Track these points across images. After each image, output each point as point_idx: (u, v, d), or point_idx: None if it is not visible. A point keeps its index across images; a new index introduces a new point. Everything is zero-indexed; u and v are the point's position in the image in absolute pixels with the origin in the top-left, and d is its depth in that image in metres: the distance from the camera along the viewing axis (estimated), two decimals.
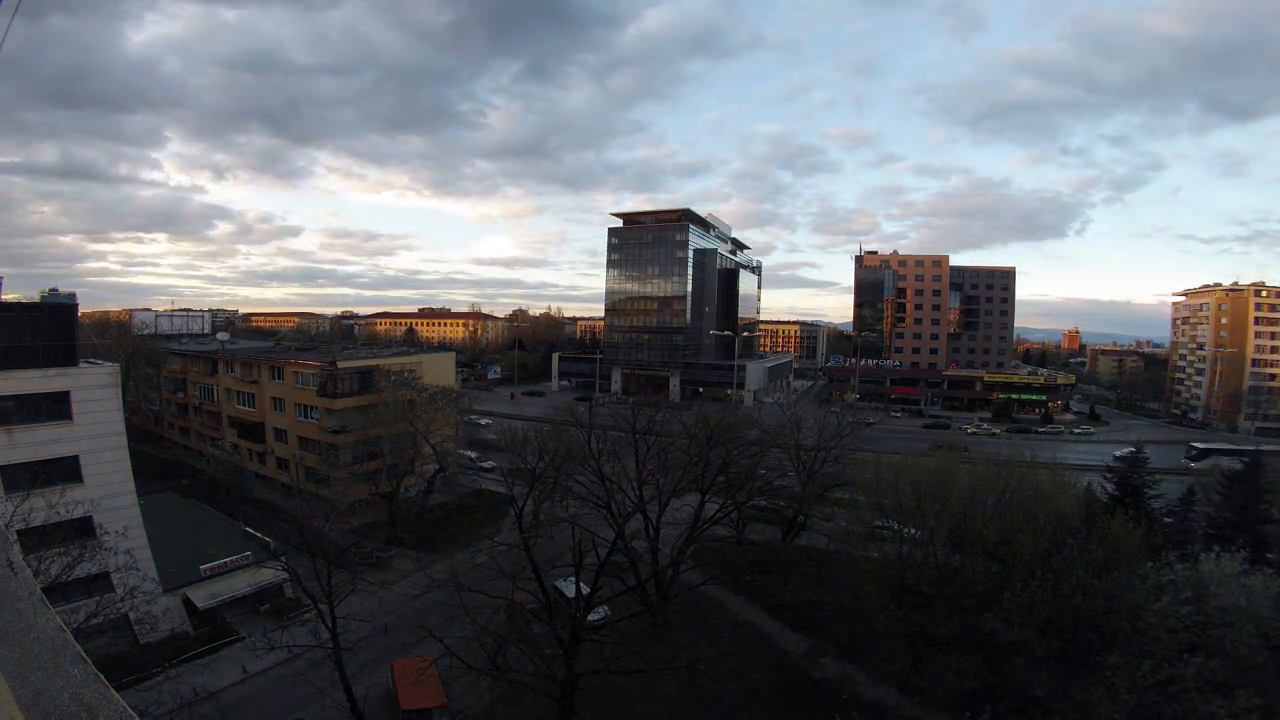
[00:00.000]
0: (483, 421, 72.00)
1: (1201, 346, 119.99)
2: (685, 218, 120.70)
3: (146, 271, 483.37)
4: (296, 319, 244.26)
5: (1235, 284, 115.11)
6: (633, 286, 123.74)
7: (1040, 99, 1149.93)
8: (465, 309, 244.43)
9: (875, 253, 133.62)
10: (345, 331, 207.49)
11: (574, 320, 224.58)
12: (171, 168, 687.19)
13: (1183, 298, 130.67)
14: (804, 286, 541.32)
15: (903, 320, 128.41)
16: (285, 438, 52.77)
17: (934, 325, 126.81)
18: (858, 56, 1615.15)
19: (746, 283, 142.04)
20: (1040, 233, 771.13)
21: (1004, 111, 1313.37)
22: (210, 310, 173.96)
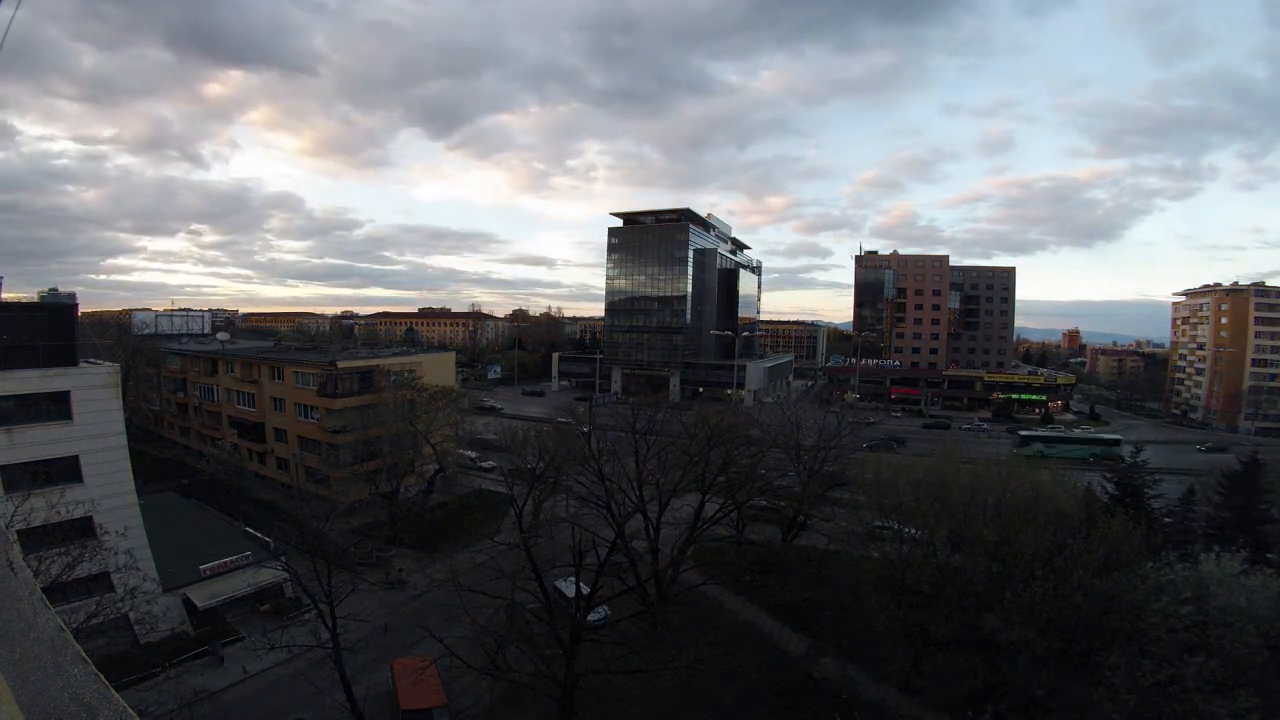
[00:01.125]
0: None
1: (1202, 346, 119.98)
2: (685, 217, 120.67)
3: (177, 270, 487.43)
4: (296, 319, 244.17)
5: (1235, 284, 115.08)
6: (633, 286, 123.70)
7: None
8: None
9: (875, 253, 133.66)
10: (345, 331, 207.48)
11: (574, 320, 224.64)
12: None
13: (1183, 298, 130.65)
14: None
15: (903, 320, 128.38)
16: (285, 438, 52.76)
17: (934, 325, 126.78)
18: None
19: (746, 283, 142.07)
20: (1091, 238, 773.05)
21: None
22: (210, 310, 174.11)
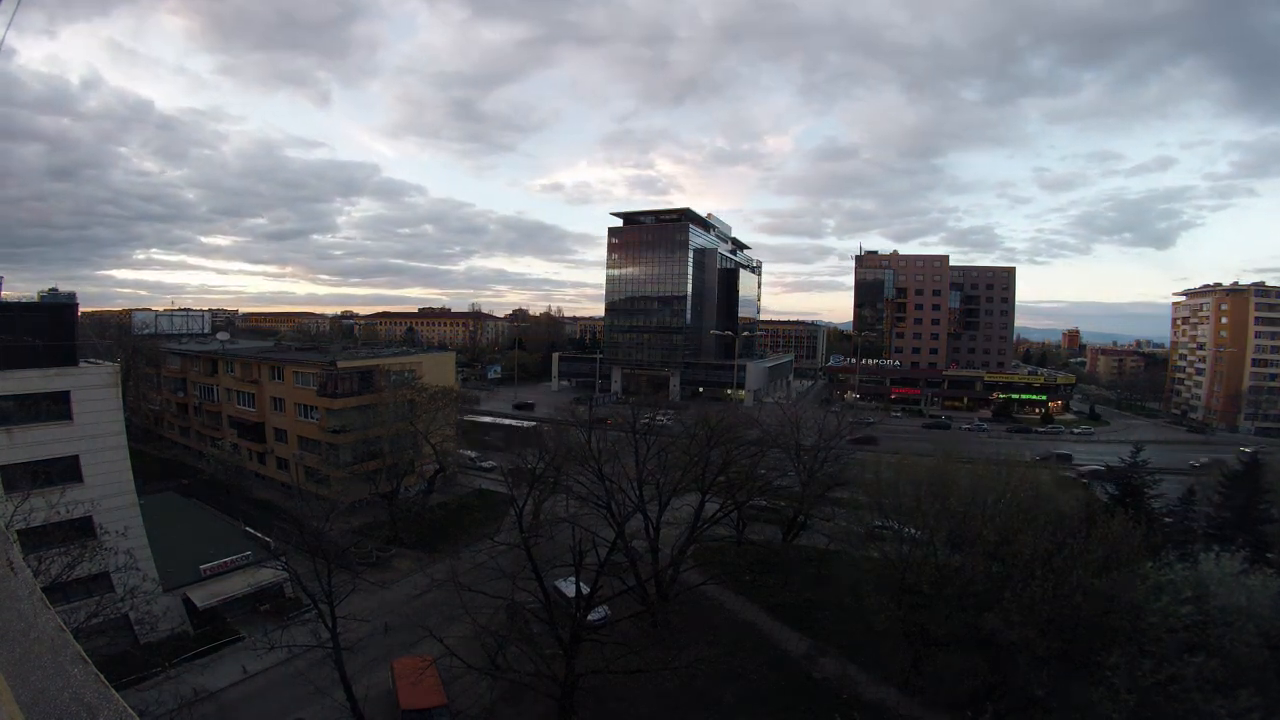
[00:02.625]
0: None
1: (1202, 346, 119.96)
2: (685, 217, 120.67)
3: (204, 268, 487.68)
4: (296, 319, 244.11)
5: (1235, 284, 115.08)
6: (633, 286, 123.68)
7: None
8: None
9: (875, 253, 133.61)
10: (345, 331, 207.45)
11: (574, 320, 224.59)
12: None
13: (1183, 297, 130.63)
14: None
15: (903, 320, 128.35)
16: (285, 437, 52.76)
17: (934, 325, 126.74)
18: None
19: (746, 283, 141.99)
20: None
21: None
22: (210, 310, 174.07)
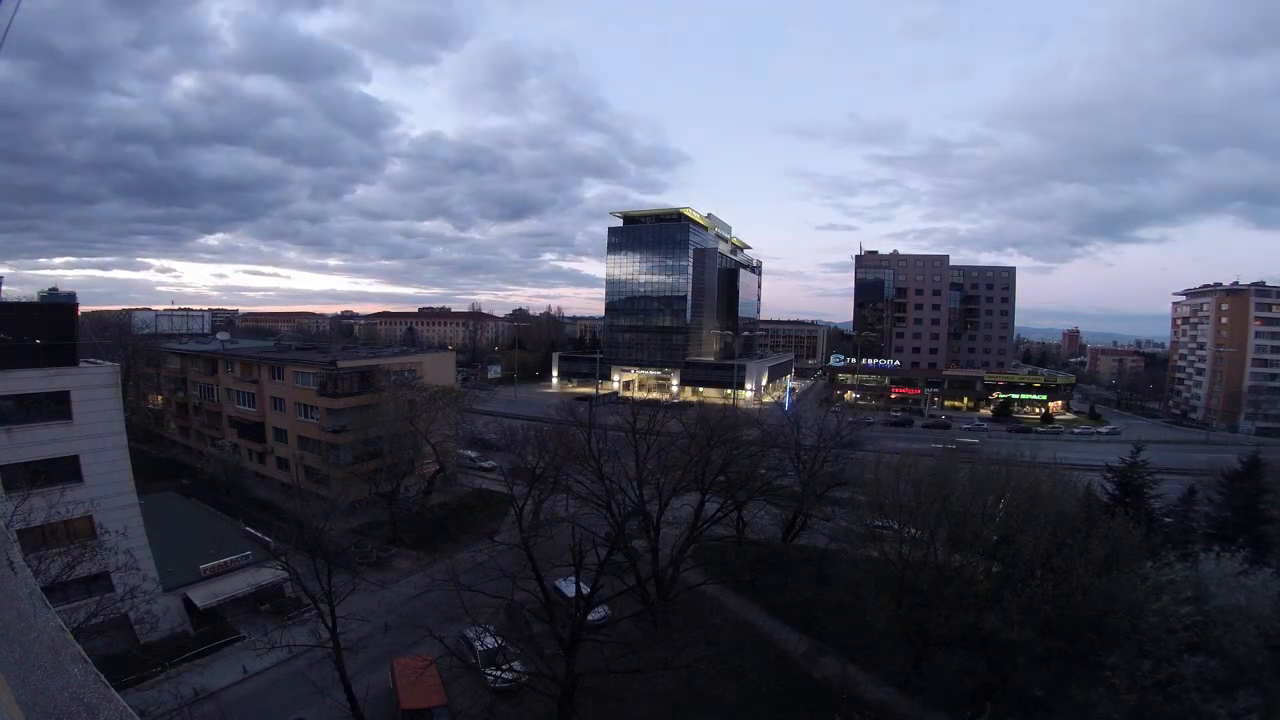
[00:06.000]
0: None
1: (1202, 346, 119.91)
2: (685, 217, 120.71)
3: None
4: (296, 319, 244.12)
5: (1235, 284, 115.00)
6: (633, 285, 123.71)
7: None
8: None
9: (875, 253, 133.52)
10: (345, 331, 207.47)
11: (574, 320, 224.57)
12: None
13: (1183, 297, 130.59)
14: None
15: (903, 320, 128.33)
16: (285, 437, 52.76)
17: (934, 325, 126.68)
18: None
19: (746, 282, 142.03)
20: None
21: None
22: (210, 310, 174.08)
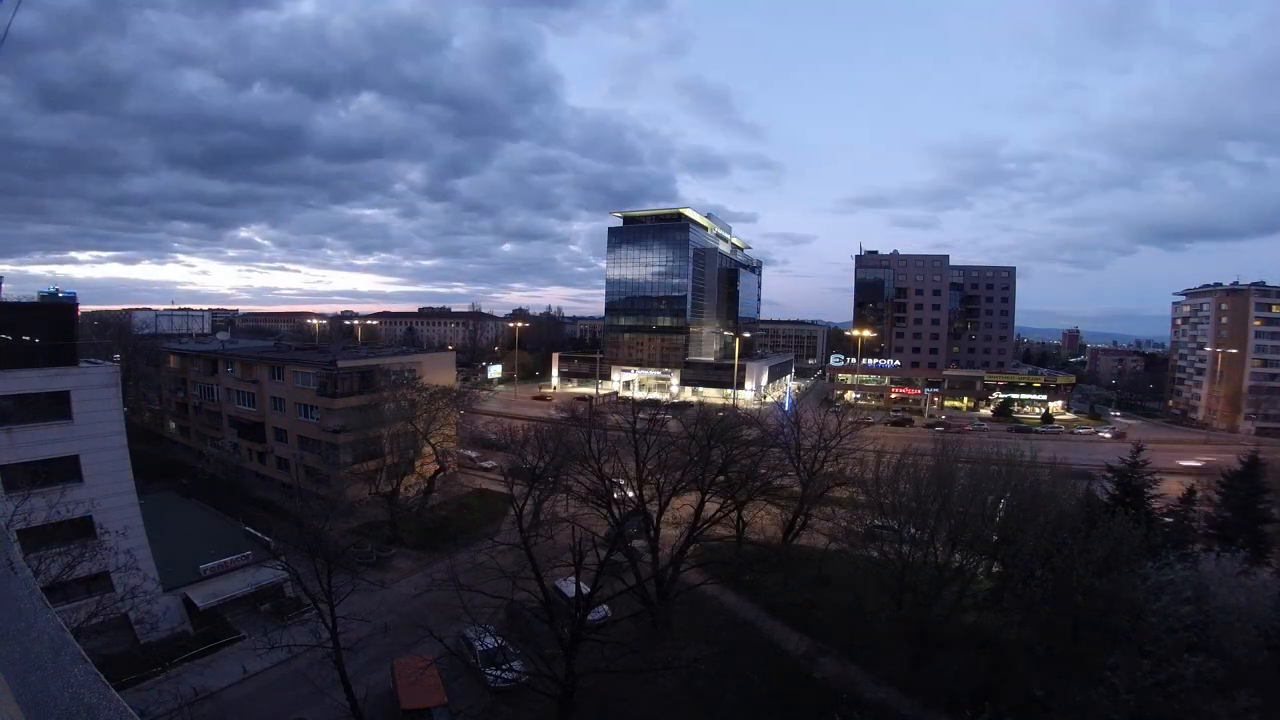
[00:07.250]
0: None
1: (1202, 346, 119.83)
2: (685, 217, 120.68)
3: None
4: (296, 319, 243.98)
5: (1235, 283, 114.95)
6: (633, 285, 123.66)
7: None
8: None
9: (875, 252, 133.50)
10: (345, 331, 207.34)
11: (574, 320, 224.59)
12: None
13: (1183, 297, 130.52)
14: None
15: (903, 320, 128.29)
16: (285, 437, 52.74)
17: (934, 325, 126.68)
18: None
19: (746, 282, 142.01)
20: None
21: None
22: (210, 310, 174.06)
